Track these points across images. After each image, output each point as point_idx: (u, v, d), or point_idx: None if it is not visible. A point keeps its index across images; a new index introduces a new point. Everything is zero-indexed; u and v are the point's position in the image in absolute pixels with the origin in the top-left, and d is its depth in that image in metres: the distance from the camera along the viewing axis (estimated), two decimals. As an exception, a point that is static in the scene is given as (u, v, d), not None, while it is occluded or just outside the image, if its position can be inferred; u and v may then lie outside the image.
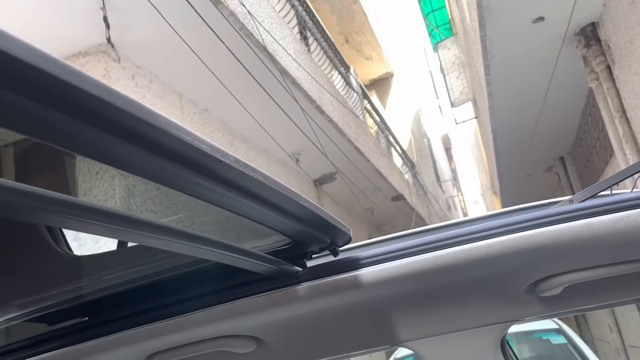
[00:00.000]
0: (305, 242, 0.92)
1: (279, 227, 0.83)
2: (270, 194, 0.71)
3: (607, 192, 0.89)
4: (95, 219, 0.56)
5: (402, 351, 4.42)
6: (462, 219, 1.04)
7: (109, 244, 1.14)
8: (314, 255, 0.99)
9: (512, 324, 1.02)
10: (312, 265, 0.98)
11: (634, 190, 0.86)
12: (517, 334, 4.01)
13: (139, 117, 0.48)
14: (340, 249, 0.98)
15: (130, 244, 1.09)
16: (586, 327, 10.60)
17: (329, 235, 0.92)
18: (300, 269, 0.97)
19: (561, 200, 0.93)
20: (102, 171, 2.87)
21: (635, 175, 0.85)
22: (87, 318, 1.05)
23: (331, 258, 0.98)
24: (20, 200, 0.50)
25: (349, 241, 0.98)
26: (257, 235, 0.96)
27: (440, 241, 0.90)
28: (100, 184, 2.92)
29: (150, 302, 1.01)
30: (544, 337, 3.96)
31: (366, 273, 0.93)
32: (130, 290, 0.98)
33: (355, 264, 0.95)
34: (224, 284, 0.96)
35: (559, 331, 3.97)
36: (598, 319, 9.10)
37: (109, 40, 3.35)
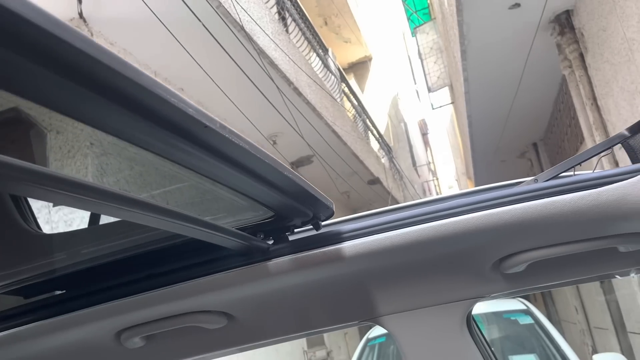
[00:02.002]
0: (289, 215, 0.90)
1: (262, 199, 0.81)
2: (255, 163, 0.69)
3: (571, 172, 0.92)
4: (63, 188, 0.55)
5: (375, 330, 4.50)
6: (430, 197, 1.06)
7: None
8: (295, 230, 0.98)
9: (478, 300, 1.05)
10: (279, 244, 0.98)
11: (595, 170, 0.90)
12: (486, 315, 4.11)
13: (122, 73, 0.46)
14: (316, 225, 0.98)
15: (101, 221, 1.08)
16: (553, 309, 10.92)
17: (312, 208, 0.91)
18: (272, 244, 0.97)
19: (526, 180, 0.96)
20: (73, 149, 2.82)
21: (596, 157, 0.88)
22: (63, 291, 1.05)
23: (305, 234, 0.99)
24: None
25: (331, 215, 0.97)
26: (237, 209, 0.95)
27: (408, 218, 0.92)
28: (72, 162, 2.88)
29: (122, 277, 1.01)
30: (512, 318, 4.07)
31: (345, 246, 0.94)
32: (101, 266, 0.98)
33: (335, 237, 0.95)
34: (196, 259, 0.96)
35: (527, 312, 4.09)
36: (565, 301, 9.38)
37: (80, 15, 3.27)
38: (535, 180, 0.93)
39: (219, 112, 5.23)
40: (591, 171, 0.91)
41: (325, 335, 7.15)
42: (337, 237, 0.95)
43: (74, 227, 1.26)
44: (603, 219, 0.85)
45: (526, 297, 4.52)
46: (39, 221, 1.09)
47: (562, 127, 6.84)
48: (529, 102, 6.60)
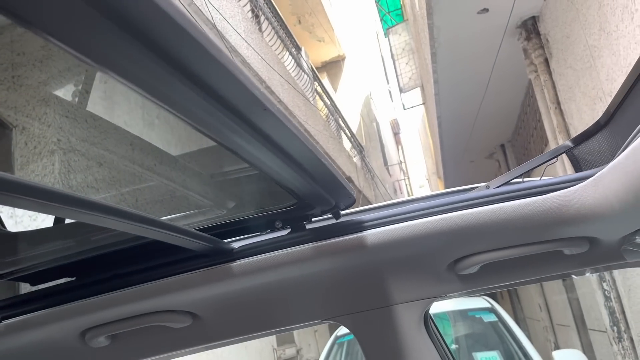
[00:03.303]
0: (311, 203, 0.89)
1: (292, 185, 0.79)
2: (299, 149, 0.67)
3: (520, 179, 0.97)
4: (16, 192, 0.55)
5: (344, 328, 4.56)
6: (386, 202, 1.11)
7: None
8: (314, 219, 0.95)
9: (434, 300, 1.10)
10: (297, 232, 0.95)
11: (542, 178, 0.95)
12: (452, 312, 4.21)
13: (203, 46, 0.44)
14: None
15: (67, 221, 1.09)
16: (519, 307, 11.19)
17: (335, 197, 0.89)
18: (289, 233, 0.96)
19: (479, 186, 1.01)
20: (40, 145, 2.78)
21: (544, 165, 0.93)
22: (27, 291, 1.05)
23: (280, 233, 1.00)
24: None
25: (352, 204, 0.95)
26: (258, 198, 0.93)
27: (366, 222, 0.96)
28: (38, 158, 2.82)
29: (91, 276, 1.02)
30: (477, 316, 4.18)
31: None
32: (66, 266, 0.99)
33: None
34: (161, 260, 0.98)
35: (491, 310, 4.20)
36: (530, 299, 9.63)
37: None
38: (487, 187, 0.98)
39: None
40: (539, 178, 0.96)
41: (295, 332, 7.18)
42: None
43: (40, 226, 1.26)
44: (548, 224, 0.91)
45: (492, 296, 4.64)
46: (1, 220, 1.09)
47: (529, 129, 7.02)
48: (496, 104, 6.75)
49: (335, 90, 13.11)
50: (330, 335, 4.81)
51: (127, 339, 1.11)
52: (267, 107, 0.54)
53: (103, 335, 1.06)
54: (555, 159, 0.95)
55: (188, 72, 0.47)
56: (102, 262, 1.01)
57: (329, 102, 9.84)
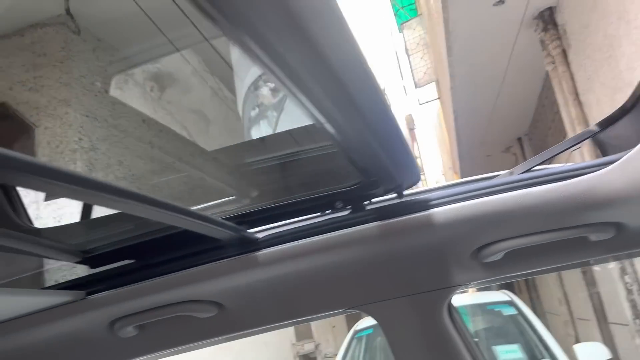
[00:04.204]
0: (378, 181, 0.86)
1: (363, 161, 0.77)
2: (385, 121, 0.64)
3: (544, 165, 0.97)
4: (53, 178, 0.55)
5: (362, 323, 4.56)
6: (412, 190, 1.11)
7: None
8: (374, 199, 0.92)
9: (458, 288, 1.10)
10: (357, 213, 0.92)
11: (567, 163, 0.95)
12: (471, 306, 4.19)
13: None
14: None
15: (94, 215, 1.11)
16: (538, 301, 11.09)
17: (401, 174, 0.87)
18: (350, 214, 0.94)
19: (502, 173, 1.01)
20: (62, 145, 2.83)
21: (568, 150, 0.93)
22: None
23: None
24: None
25: (417, 182, 0.92)
26: (319, 177, 0.91)
27: (402, 207, 0.96)
28: (60, 157, 2.87)
29: (119, 267, 1.04)
30: (496, 309, 4.16)
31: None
32: (98, 257, 1.01)
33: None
34: (188, 250, 1.00)
35: (510, 303, 4.17)
36: (549, 293, 9.54)
37: (67, 11, 3.26)
38: (511, 173, 0.98)
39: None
40: (563, 164, 0.96)
41: (313, 328, 7.20)
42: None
43: (68, 221, 1.29)
44: (574, 209, 0.90)
45: (511, 289, 4.61)
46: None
47: (546, 122, 6.94)
48: (513, 97, 6.69)
49: (349, 86, 13.04)
50: (348, 331, 4.83)
51: (153, 328, 1.13)
52: (376, 86, 0.53)
53: (131, 325, 1.08)
54: (580, 144, 0.95)
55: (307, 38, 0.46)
56: (128, 253, 1.03)
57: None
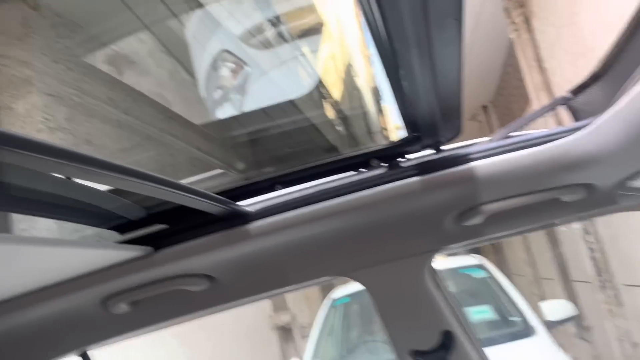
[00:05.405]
0: (424, 133, 0.87)
1: (414, 113, 0.76)
2: (451, 68, 0.64)
3: (520, 131, 1.01)
4: (40, 153, 0.54)
5: (336, 292, 4.65)
6: None
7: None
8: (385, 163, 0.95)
9: (441, 251, 1.15)
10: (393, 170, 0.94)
11: (542, 129, 0.99)
12: (444, 271, 4.32)
13: None
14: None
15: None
16: (504, 264, 11.47)
17: (445, 126, 0.87)
18: (386, 171, 0.97)
19: (482, 140, 1.05)
20: (27, 125, 2.75)
21: (543, 116, 0.97)
22: None
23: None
24: None
25: (457, 136, 0.93)
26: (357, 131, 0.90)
27: (372, 179, 1.00)
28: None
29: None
30: (467, 272, 4.30)
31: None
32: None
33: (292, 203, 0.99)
34: (180, 225, 1.01)
35: (481, 267, 4.32)
36: (514, 255, 9.88)
37: None
38: (490, 140, 1.02)
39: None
40: (538, 130, 1.01)
41: (288, 300, 7.29)
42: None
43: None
44: (550, 171, 0.95)
45: (478, 253, 4.77)
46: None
47: (510, 89, 7.07)
48: (478, 65, 6.77)
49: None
50: (322, 301, 4.89)
51: (147, 304, 1.14)
52: (459, 17, 0.53)
53: (124, 302, 1.09)
54: (554, 109, 0.99)
55: None
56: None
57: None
